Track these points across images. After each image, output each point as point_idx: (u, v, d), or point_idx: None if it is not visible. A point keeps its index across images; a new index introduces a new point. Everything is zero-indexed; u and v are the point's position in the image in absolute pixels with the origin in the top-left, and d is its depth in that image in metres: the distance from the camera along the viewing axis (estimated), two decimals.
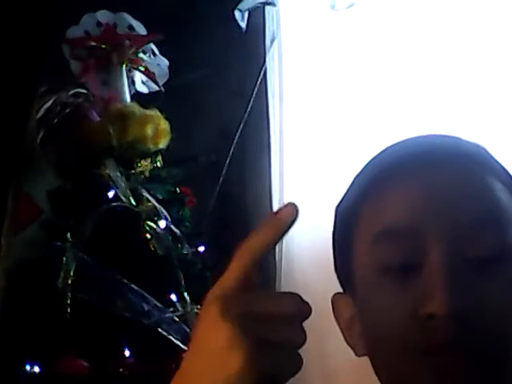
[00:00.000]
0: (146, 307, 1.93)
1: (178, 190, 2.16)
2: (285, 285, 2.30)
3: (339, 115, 2.36)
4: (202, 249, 2.10)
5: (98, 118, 2.13)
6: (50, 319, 1.91)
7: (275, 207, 2.38)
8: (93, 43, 2.17)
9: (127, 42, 2.19)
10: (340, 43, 2.39)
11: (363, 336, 0.87)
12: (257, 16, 2.45)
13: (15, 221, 2.04)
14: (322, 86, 2.40)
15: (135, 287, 1.94)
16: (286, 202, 0.71)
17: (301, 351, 0.66)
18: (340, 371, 2.17)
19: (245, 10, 2.36)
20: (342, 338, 0.91)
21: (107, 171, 2.06)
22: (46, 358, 1.89)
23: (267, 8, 2.46)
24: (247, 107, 2.43)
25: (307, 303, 0.68)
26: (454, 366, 0.79)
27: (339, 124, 2.36)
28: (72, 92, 2.14)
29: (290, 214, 0.68)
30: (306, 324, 0.67)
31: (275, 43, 2.48)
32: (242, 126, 2.43)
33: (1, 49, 2.19)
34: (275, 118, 2.46)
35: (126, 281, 1.94)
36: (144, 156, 2.14)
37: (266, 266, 2.07)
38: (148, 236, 2.03)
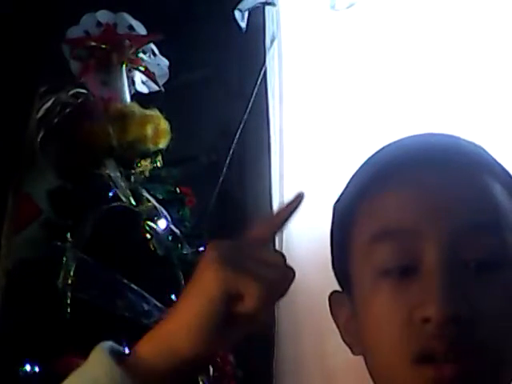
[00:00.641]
0: (146, 307, 1.93)
1: (177, 190, 2.16)
2: None
3: (339, 115, 2.36)
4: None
5: (98, 118, 2.12)
6: (50, 319, 1.91)
7: (275, 207, 2.38)
8: (93, 43, 2.17)
9: (127, 42, 2.19)
10: (340, 43, 2.38)
11: (359, 335, 0.86)
12: (257, 16, 2.45)
13: (15, 221, 2.04)
14: (322, 86, 2.39)
15: (135, 287, 1.94)
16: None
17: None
18: (340, 371, 2.17)
19: (245, 10, 2.35)
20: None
21: (107, 171, 2.05)
22: (46, 357, 1.89)
23: (267, 8, 2.46)
24: (247, 107, 2.43)
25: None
26: (445, 375, 0.77)
27: (339, 124, 2.36)
28: (72, 92, 2.13)
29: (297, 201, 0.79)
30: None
31: (275, 43, 2.48)
32: (241, 126, 2.43)
33: (1, 49, 2.19)
34: (275, 117, 2.46)
35: (126, 281, 1.94)
36: (144, 156, 2.14)
37: None
38: (148, 236, 2.03)
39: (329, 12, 2.37)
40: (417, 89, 2.29)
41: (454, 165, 0.84)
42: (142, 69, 2.24)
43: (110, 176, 2.05)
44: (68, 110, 2.10)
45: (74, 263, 1.93)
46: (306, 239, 2.25)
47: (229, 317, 0.75)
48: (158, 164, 2.17)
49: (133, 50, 2.20)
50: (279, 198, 2.39)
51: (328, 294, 0.92)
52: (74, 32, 2.18)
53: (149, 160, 2.15)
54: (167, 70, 2.27)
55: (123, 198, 2.03)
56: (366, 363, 0.86)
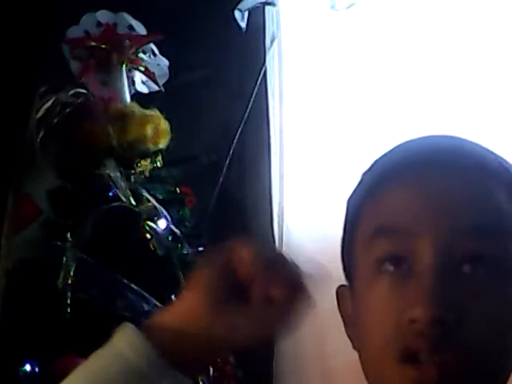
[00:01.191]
0: (145, 307, 1.93)
1: (178, 190, 2.16)
2: None
3: (339, 115, 2.36)
4: (201, 249, 2.10)
5: (98, 118, 2.12)
6: (50, 319, 1.91)
7: (275, 207, 2.38)
8: (93, 43, 2.17)
9: (127, 42, 2.18)
10: (340, 43, 2.39)
11: (355, 329, 0.87)
12: (257, 16, 2.45)
13: (15, 221, 2.04)
14: (322, 86, 2.40)
15: (135, 287, 1.94)
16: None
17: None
18: (340, 372, 2.17)
19: (245, 10, 2.36)
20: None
21: (107, 171, 2.05)
22: (46, 358, 1.89)
23: (267, 8, 2.46)
24: (247, 107, 2.43)
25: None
26: (429, 376, 0.77)
27: (339, 124, 2.36)
28: (72, 92, 2.13)
29: None
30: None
31: (275, 43, 2.48)
32: (242, 126, 2.43)
33: (1, 49, 2.19)
34: (275, 117, 2.46)
35: (126, 281, 1.94)
36: (144, 156, 2.14)
37: None
38: (148, 236, 2.03)
39: (329, 12, 2.37)
40: (417, 89, 2.29)
41: (456, 167, 0.83)
42: (142, 69, 2.24)
43: (110, 176, 2.05)
44: (68, 110, 2.10)
45: (74, 263, 1.93)
46: (306, 239, 2.25)
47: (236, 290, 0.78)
48: (158, 164, 2.17)
49: (133, 50, 2.20)
50: (279, 198, 2.39)
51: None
52: (74, 32, 2.18)
53: (149, 160, 2.15)
54: (167, 70, 2.27)
55: (123, 198, 2.03)
56: (360, 358, 0.86)
